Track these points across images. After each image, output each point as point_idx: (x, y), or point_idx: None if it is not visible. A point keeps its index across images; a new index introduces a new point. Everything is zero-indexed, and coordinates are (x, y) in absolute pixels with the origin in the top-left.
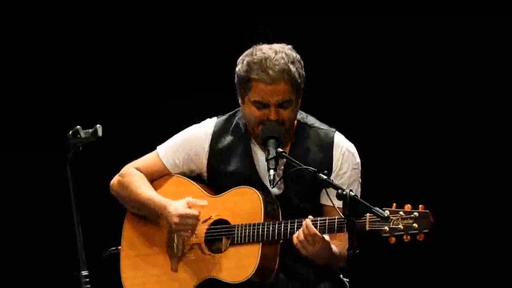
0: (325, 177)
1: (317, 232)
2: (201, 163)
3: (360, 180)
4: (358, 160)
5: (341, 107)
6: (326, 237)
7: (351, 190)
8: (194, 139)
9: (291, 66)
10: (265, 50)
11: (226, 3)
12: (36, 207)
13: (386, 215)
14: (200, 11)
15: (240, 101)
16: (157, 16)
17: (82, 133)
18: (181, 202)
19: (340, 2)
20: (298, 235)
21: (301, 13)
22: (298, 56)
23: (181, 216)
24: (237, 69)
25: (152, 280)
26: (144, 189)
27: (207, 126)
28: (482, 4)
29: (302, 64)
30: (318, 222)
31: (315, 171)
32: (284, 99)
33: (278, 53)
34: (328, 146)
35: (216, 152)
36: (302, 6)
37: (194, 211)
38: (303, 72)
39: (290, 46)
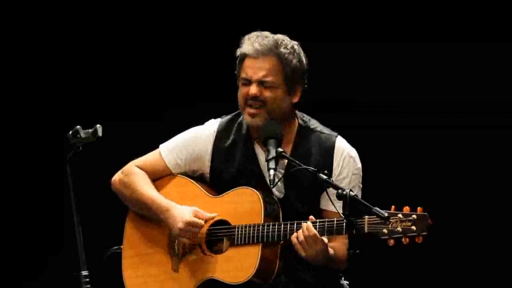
0: (325, 177)
1: (317, 233)
2: (204, 163)
3: (360, 185)
4: (359, 165)
5: (343, 110)
6: (325, 239)
7: (351, 190)
8: (198, 140)
9: (282, 49)
10: (266, 33)
11: (233, 14)
12: (36, 207)
13: (386, 215)
14: (210, 20)
15: None
16: (156, 17)
17: (82, 133)
18: (188, 209)
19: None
20: (298, 236)
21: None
22: (301, 51)
23: (187, 223)
24: None
25: (152, 279)
26: (146, 189)
27: (211, 127)
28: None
29: (302, 59)
30: (318, 224)
31: (315, 171)
32: (266, 77)
33: (276, 36)
34: (329, 151)
35: (219, 153)
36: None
37: (200, 221)
38: (300, 66)
39: (297, 42)
